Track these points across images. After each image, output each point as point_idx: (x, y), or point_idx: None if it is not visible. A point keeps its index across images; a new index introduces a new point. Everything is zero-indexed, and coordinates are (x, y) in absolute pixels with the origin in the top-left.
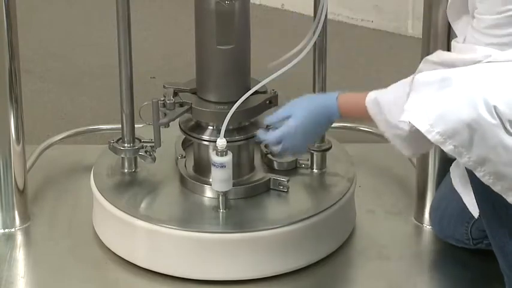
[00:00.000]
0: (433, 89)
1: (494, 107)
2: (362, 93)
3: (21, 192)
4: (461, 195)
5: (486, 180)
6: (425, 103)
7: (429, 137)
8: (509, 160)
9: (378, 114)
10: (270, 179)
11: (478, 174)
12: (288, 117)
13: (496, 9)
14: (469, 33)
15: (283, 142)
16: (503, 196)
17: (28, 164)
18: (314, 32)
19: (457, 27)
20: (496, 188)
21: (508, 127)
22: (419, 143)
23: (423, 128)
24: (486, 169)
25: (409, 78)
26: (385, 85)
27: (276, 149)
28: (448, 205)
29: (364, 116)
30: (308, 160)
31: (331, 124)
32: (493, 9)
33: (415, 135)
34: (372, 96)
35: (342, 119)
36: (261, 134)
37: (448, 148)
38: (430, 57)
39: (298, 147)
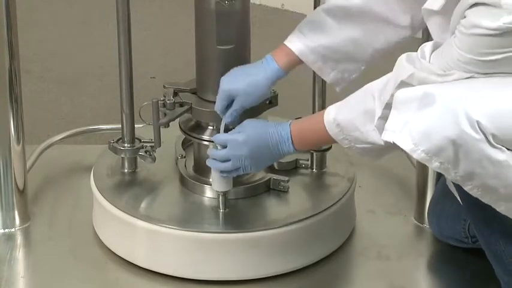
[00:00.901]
0: (415, 106)
1: (477, 122)
2: (314, 116)
3: (21, 192)
4: (456, 195)
5: (474, 193)
6: (407, 121)
7: (414, 155)
8: (496, 173)
9: (340, 134)
10: (270, 179)
11: (466, 188)
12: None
13: (480, 50)
14: (445, 54)
15: (228, 149)
16: (493, 206)
17: (28, 164)
18: None
19: (430, 24)
20: (485, 200)
21: (492, 141)
22: (388, 152)
23: (407, 147)
24: (474, 183)
25: (367, 87)
26: None
27: (224, 165)
28: (445, 206)
29: (322, 140)
30: (308, 160)
31: (283, 156)
32: (476, 50)
33: (386, 147)
34: (330, 116)
35: (297, 151)
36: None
37: (434, 165)
38: (406, 80)
39: (244, 163)
